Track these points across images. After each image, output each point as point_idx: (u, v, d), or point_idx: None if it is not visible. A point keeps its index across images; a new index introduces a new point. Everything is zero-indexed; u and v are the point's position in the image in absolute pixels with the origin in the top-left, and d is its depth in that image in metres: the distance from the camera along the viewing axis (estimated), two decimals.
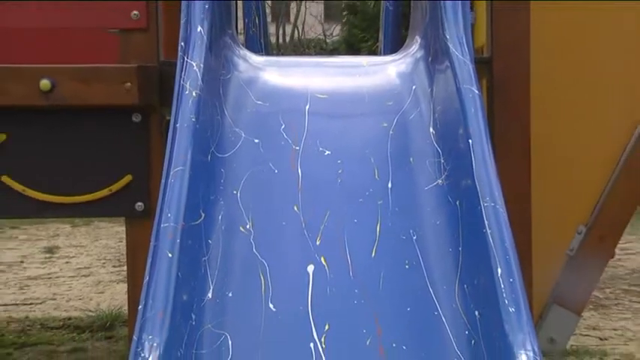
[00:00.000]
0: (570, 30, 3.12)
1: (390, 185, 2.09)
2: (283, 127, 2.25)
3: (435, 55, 2.36)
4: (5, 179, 2.57)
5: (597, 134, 3.16)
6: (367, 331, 1.79)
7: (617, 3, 3.14)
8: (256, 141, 2.21)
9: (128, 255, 2.64)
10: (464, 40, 2.24)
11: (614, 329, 3.93)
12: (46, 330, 4.06)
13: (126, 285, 2.74)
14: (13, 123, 2.59)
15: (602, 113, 3.17)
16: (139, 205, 2.58)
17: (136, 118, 2.59)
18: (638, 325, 4.02)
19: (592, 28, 3.14)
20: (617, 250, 3.36)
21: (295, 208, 2.04)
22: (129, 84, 2.53)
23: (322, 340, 1.77)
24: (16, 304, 4.67)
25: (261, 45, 4.82)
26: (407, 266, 1.91)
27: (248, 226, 1.99)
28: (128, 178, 2.59)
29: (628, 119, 3.17)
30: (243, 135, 2.21)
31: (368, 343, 1.77)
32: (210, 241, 1.93)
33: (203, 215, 1.93)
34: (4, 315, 4.39)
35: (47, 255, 6.27)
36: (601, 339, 3.76)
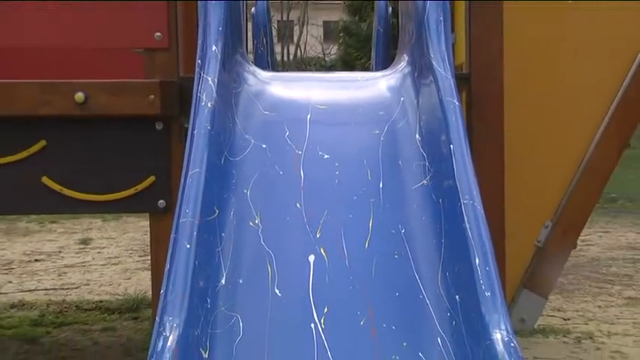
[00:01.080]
0: (538, 50, 3.11)
1: (381, 185, 2.08)
2: (287, 134, 2.24)
3: (421, 71, 2.35)
4: (45, 180, 2.57)
5: (562, 142, 3.16)
6: (361, 313, 1.78)
7: (578, 25, 3.13)
8: (264, 146, 2.19)
9: (152, 246, 2.63)
10: (446, 58, 2.23)
11: (576, 310, 3.93)
12: (81, 311, 4.06)
13: (150, 272, 2.73)
14: (51, 130, 2.58)
15: (565, 123, 3.16)
16: (161, 203, 2.57)
17: (159, 126, 2.58)
18: (597, 307, 4.02)
19: (556, 50, 3.14)
20: (578, 242, 3.35)
21: (298, 205, 2.02)
22: (152, 96, 2.52)
23: (322, 321, 1.76)
24: (55, 289, 4.67)
25: (268, 62, 4.81)
26: (396, 256, 1.90)
27: (256, 221, 1.98)
28: (152, 178, 2.58)
29: (587, 128, 3.16)
30: (252, 141, 2.20)
31: (362, 323, 1.76)
32: (223, 234, 1.92)
33: (217, 211, 1.92)
34: (44, 298, 4.39)
35: (81, 246, 6.28)
36: (564, 319, 3.76)
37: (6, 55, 3.29)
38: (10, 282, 4.89)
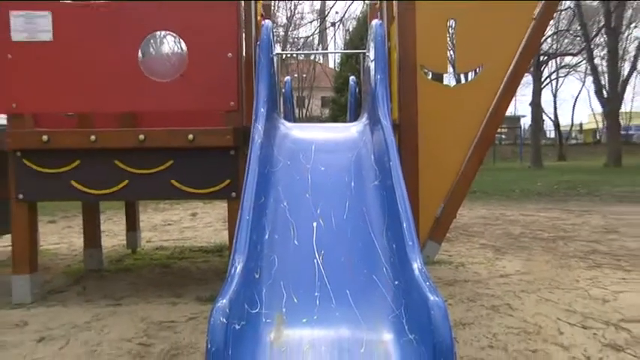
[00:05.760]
0: (436, 110, 3.08)
1: (352, 184, 2.03)
2: (302, 156, 2.19)
3: (374, 122, 2.31)
4: (173, 181, 2.55)
5: (449, 160, 3.12)
6: (342, 255, 1.74)
7: (459, 96, 3.09)
8: (289, 163, 2.15)
9: (229, 217, 2.60)
10: (387, 115, 2.19)
11: (456, 251, 3.88)
12: (192, 252, 4.02)
13: (227, 231, 2.69)
14: (175, 155, 2.56)
15: (452, 150, 3.12)
16: (233, 194, 2.54)
17: (232, 152, 2.55)
18: (466, 249, 3.96)
19: (445, 110, 3.10)
20: (457, 215, 3.30)
21: (307, 195, 1.98)
22: (229, 136, 2.50)
23: (320, 258, 1.71)
24: (178, 240, 4.63)
25: (291, 118, 4.77)
26: (361, 224, 1.85)
27: (285, 204, 1.93)
28: (228, 181, 2.55)
29: (462, 152, 3.13)
30: (282, 160, 2.16)
31: (342, 260, 1.72)
32: (266, 210, 1.87)
33: (263, 198, 1.88)
34: (172, 244, 4.35)
35: (192, 217, 6.23)
36: (449, 256, 3.70)
37: (151, 115, 3.28)
38: (155, 235, 4.84)
